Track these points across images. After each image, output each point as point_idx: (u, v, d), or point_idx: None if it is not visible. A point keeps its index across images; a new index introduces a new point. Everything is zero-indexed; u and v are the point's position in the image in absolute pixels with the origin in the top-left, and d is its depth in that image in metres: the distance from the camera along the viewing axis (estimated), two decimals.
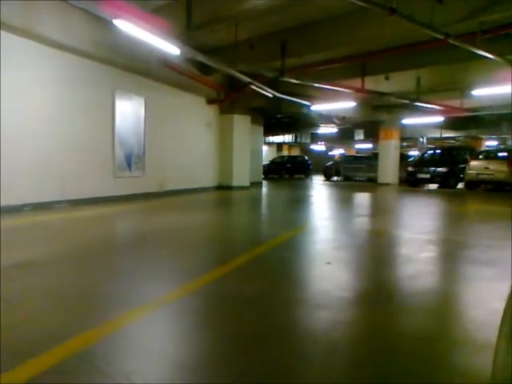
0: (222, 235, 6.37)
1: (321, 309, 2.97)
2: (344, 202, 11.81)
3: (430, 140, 26.59)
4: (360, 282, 3.83)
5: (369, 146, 30.77)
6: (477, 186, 15.26)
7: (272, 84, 12.10)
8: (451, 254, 5.04)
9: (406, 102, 14.20)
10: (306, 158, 29.15)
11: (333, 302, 3.10)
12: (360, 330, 2.67)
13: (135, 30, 6.87)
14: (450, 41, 7.96)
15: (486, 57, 8.67)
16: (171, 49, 7.71)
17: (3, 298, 2.97)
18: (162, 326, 2.68)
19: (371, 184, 19.24)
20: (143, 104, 11.28)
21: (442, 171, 16.53)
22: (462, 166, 16.06)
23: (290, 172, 27.69)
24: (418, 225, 7.37)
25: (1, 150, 7.49)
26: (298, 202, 11.57)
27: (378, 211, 10.20)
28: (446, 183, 16.43)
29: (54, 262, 4.21)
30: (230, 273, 3.88)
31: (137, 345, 2.37)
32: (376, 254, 5.01)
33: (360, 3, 6.44)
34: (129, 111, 10.85)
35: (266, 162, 25.59)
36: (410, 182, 17.53)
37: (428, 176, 16.85)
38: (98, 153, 9.91)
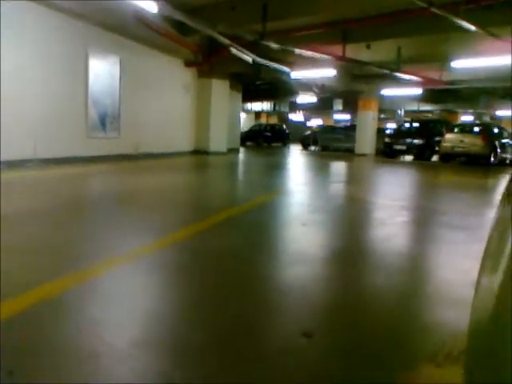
0: (196, 197, 6.31)
1: (294, 265, 2.97)
2: (320, 170, 11.84)
3: (408, 113, 26.70)
4: (333, 242, 3.84)
5: (347, 117, 30.75)
6: (451, 158, 15.46)
7: (252, 49, 11.84)
8: (424, 219, 5.11)
9: (386, 72, 14.10)
10: (284, 126, 29.01)
11: (306, 259, 3.10)
12: (331, 283, 2.69)
13: None
14: (433, 9, 7.88)
15: (468, 28, 8.62)
16: (148, 5, 7.39)
17: None
18: (134, 276, 2.63)
19: (348, 154, 19.32)
20: (118, 64, 10.93)
21: (417, 143, 16.67)
22: (438, 138, 16.22)
23: (267, 140, 27.57)
24: (393, 192, 7.45)
25: None
26: (275, 169, 11.55)
27: (354, 179, 10.28)
28: (422, 155, 16.59)
29: (27, 216, 4.09)
30: (204, 231, 3.84)
31: (108, 294, 2.32)
32: (350, 217, 5.04)
33: None
34: (103, 70, 10.50)
35: (244, 129, 25.38)
36: (387, 153, 17.65)
37: (404, 147, 16.99)
38: (70, 112, 9.62)
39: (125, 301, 2.28)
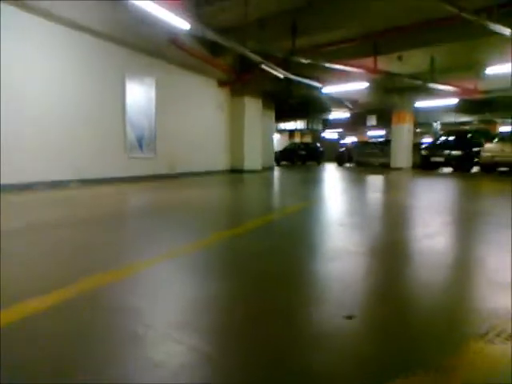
0: (235, 206, 6.42)
1: (333, 260, 2.93)
2: (356, 182, 11.71)
3: (444, 125, 26.21)
4: (372, 240, 3.76)
5: (381, 132, 30.48)
6: (492, 169, 15.01)
7: (283, 66, 11.97)
8: (466, 219, 4.96)
9: (419, 82, 13.94)
10: (318, 145, 28.98)
11: (345, 255, 3.06)
12: (371, 276, 2.63)
13: (145, 2, 6.81)
14: (464, 15, 7.77)
15: (502, 33, 8.45)
16: (181, 23, 7.62)
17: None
18: (177, 271, 2.66)
19: (384, 169, 19.06)
20: (154, 85, 11.26)
21: (456, 154, 16.22)
22: (477, 149, 15.80)
23: (302, 159, 27.58)
24: (431, 197, 7.30)
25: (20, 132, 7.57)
26: (311, 182, 11.50)
27: (391, 188, 10.10)
28: (461, 166, 16.16)
29: (81, 224, 4.26)
30: (246, 232, 3.91)
31: (149, 287, 2.35)
32: (389, 219, 4.95)
33: None
34: (140, 92, 10.83)
35: (278, 149, 25.50)
36: (424, 165, 17.29)
37: (442, 159, 16.58)
38: (110, 133, 9.93)
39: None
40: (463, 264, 3.02)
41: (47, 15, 7.99)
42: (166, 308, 2.06)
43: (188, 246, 3.36)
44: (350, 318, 1.89)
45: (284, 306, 2.06)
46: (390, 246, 3.48)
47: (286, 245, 3.48)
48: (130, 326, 1.79)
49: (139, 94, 10.80)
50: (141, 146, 10.99)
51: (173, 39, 10.52)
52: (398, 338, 1.73)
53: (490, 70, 11.37)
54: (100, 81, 9.58)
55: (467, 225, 4.64)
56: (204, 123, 13.71)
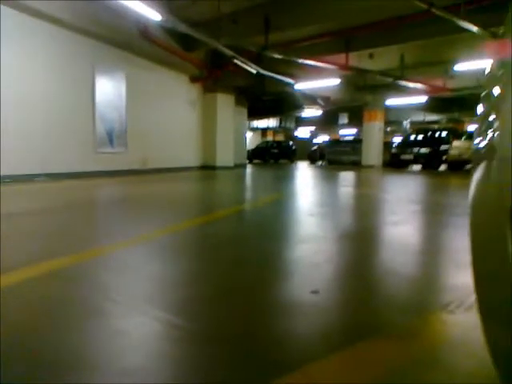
0: (207, 197, 6.42)
1: (301, 243, 2.95)
2: (327, 178, 11.82)
3: (414, 124, 26.70)
4: (340, 227, 3.80)
5: (353, 131, 30.82)
6: (459, 166, 15.35)
7: (255, 61, 11.96)
8: (424, 209, 5.07)
9: (390, 79, 14.15)
10: (291, 143, 29.09)
11: (313, 240, 3.08)
12: (338, 257, 2.65)
13: None
14: (434, 10, 7.93)
15: (470, 30, 8.66)
16: (152, 14, 7.52)
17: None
18: (144, 253, 2.63)
19: (355, 166, 19.29)
20: (124, 79, 11.08)
21: (424, 152, 16.59)
22: (445, 147, 16.16)
23: (274, 157, 27.62)
24: (399, 191, 7.45)
25: None
26: (284, 178, 11.55)
27: (360, 183, 10.25)
28: (429, 164, 16.52)
29: (49, 212, 4.16)
30: (214, 220, 3.89)
31: (118, 266, 2.31)
32: (358, 210, 5.01)
33: None
34: (110, 86, 10.65)
35: (250, 147, 25.49)
36: (394, 163, 17.59)
37: (411, 157, 16.93)
38: (78, 127, 9.72)
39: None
40: (427, 246, 3.08)
41: (12, 4, 7.76)
42: (134, 285, 2.03)
43: (158, 230, 3.32)
44: (315, 292, 1.90)
45: (254, 284, 2.06)
46: (358, 231, 3.53)
47: (256, 231, 3.48)
48: (98, 300, 1.76)
49: (109, 89, 10.62)
50: (111, 140, 10.81)
51: (143, 31, 10.36)
52: (361, 309, 1.75)
53: (459, 67, 11.62)
54: (68, 74, 9.38)
55: (431, 213, 4.74)
56: (176, 119, 13.58)
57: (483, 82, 0.84)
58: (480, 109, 0.81)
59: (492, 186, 0.65)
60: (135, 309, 1.69)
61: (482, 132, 0.75)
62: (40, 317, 1.62)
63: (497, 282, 0.68)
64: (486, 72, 0.79)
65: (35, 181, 8.26)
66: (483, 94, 0.80)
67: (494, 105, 0.69)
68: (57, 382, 1.17)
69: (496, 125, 0.65)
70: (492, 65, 0.78)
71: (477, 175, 0.78)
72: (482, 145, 0.74)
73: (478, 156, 0.78)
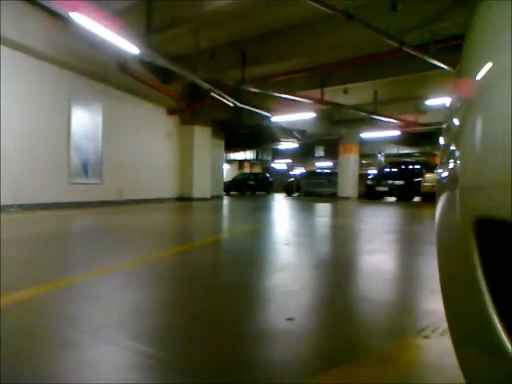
0: (183, 227, 6.38)
1: (278, 271, 2.95)
2: (303, 209, 11.90)
3: (388, 157, 27.29)
4: (316, 256, 3.82)
5: (329, 163, 31.26)
6: (432, 198, 15.64)
7: (232, 95, 12.14)
8: (400, 238, 5.14)
9: (364, 114, 14.53)
10: (268, 175, 29.29)
11: (289, 268, 3.08)
12: (313, 284, 2.65)
13: (93, 26, 6.69)
14: (405, 49, 8.24)
15: (440, 67, 9.00)
16: (130, 48, 7.59)
17: None
18: (116, 282, 2.58)
19: (331, 198, 19.49)
20: (101, 111, 11.08)
21: (399, 184, 16.98)
22: (418, 180, 16.56)
23: (251, 189, 27.68)
24: (373, 221, 7.52)
25: None
26: (261, 209, 11.58)
27: (336, 214, 10.34)
28: (404, 195, 16.87)
29: (18, 244, 4.03)
30: (190, 249, 3.87)
31: (90, 296, 2.26)
32: (334, 239, 5.05)
33: (320, 7, 6.57)
34: (86, 117, 10.62)
35: (228, 179, 25.54)
36: (369, 195, 17.89)
37: (386, 189, 17.28)
38: (52, 158, 9.62)
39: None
40: (402, 273, 3.11)
41: None
42: (104, 314, 1.98)
43: (130, 261, 3.27)
44: (291, 319, 1.89)
45: (229, 312, 2.03)
46: (335, 260, 3.54)
47: (232, 260, 3.46)
48: (65, 331, 1.70)
49: (85, 119, 10.59)
50: (86, 171, 10.71)
51: (121, 64, 10.44)
52: (336, 335, 1.75)
53: (429, 103, 12.03)
54: (43, 104, 9.33)
55: (405, 242, 4.81)
56: (153, 151, 13.57)
57: (444, 116, 0.88)
58: (442, 141, 0.85)
59: (455, 213, 0.68)
60: (104, 339, 1.65)
61: (444, 162, 0.78)
62: (4, 349, 1.56)
63: (466, 306, 0.69)
64: (447, 107, 0.83)
65: (7, 211, 8.07)
66: (444, 126, 0.84)
67: (453, 136, 0.72)
68: None
69: (457, 155, 0.68)
70: (451, 100, 0.82)
71: (440, 203, 0.81)
72: (444, 174, 0.77)
73: (441, 185, 0.81)
